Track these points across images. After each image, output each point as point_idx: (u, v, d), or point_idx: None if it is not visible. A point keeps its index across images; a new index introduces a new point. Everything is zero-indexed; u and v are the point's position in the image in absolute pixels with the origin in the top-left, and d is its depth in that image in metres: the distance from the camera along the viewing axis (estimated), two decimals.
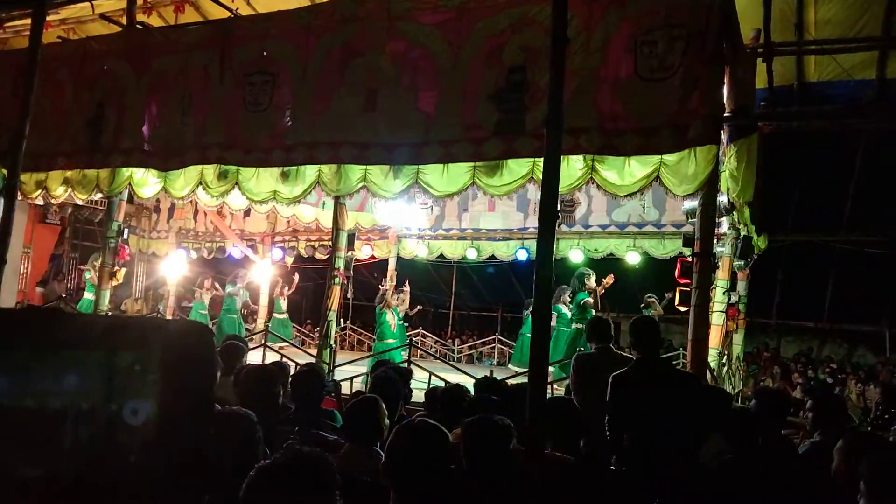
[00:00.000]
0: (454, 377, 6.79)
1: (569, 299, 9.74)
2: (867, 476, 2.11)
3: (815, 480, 2.97)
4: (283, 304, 13.68)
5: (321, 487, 1.31)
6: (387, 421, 2.90)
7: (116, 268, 9.06)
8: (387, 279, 12.98)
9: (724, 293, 8.15)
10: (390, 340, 9.79)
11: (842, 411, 4.42)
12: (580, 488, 2.80)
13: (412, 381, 5.07)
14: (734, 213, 7.15)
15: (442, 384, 6.38)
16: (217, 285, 12.54)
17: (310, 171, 7.48)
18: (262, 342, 8.24)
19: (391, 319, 10.09)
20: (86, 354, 0.71)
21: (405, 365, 7.07)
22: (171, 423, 0.69)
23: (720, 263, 8.07)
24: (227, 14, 8.45)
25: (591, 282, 9.16)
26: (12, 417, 0.70)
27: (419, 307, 12.48)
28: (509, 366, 11.79)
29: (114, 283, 9.16)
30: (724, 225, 8.08)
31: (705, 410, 3.80)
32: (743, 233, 8.06)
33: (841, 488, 2.44)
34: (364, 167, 7.13)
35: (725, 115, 5.78)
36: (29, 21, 7.51)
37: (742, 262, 8.69)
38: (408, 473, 2.01)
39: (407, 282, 11.41)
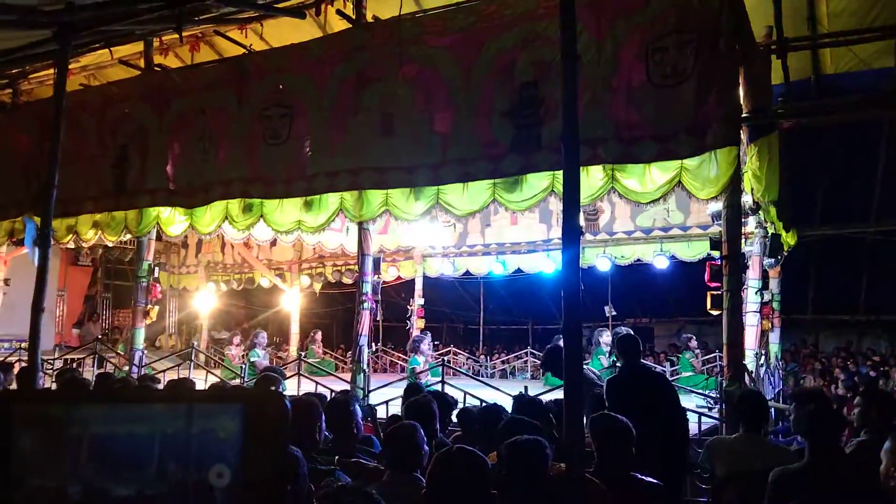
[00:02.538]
0: (487, 394, 6.77)
1: (606, 348, 9.55)
2: None
3: (863, 483, 2.91)
4: (317, 351, 13.79)
5: None
6: (426, 447, 2.91)
7: (149, 306, 9.20)
8: (413, 321, 13.10)
9: (756, 293, 8.04)
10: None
11: (890, 407, 4.31)
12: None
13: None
14: (760, 212, 7.08)
15: (476, 402, 6.36)
16: (243, 344, 12.58)
17: (332, 199, 7.56)
18: (297, 371, 8.27)
19: (421, 366, 10.08)
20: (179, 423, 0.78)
21: (439, 385, 7.08)
22: (252, 484, 0.75)
23: (750, 263, 7.97)
24: (241, 51, 8.60)
25: None
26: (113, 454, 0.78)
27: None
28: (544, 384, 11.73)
29: (147, 321, 9.29)
30: (752, 224, 7.99)
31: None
32: (771, 231, 7.96)
33: (890, 492, 2.38)
34: (385, 191, 7.19)
35: (743, 115, 5.75)
36: (51, 71, 7.74)
37: (772, 261, 8.57)
38: (449, 501, 2.01)
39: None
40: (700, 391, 7.84)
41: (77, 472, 0.78)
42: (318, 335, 14.38)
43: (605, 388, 5.19)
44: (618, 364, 5.90)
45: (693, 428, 5.91)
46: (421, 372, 9.01)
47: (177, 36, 8.61)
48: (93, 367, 9.80)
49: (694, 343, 11.25)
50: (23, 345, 9.24)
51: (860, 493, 2.82)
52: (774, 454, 4.09)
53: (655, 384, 5.15)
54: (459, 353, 15.71)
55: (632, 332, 5.97)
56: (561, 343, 5.60)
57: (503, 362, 15.18)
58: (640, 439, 3.88)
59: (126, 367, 9.14)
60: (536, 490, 2.35)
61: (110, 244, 10.63)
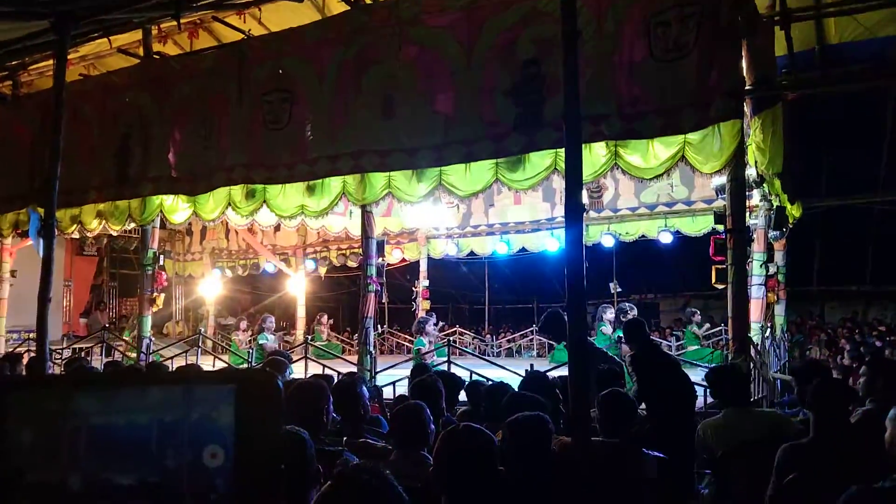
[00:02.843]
0: (494, 373, 6.80)
1: (609, 324, 9.58)
2: None
3: (868, 452, 2.92)
4: (323, 335, 13.85)
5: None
6: (432, 426, 2.93)
7: (156, 294, 9.24)
8: (419, 302, 13.12)
9: (761, 266, 8.02)
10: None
11: (894, 377, 4.31)
12: (622, 473, 2.81)
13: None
14: (764, 184, 7.04)
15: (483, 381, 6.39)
16: (250, 328, 12.60)
17: (334, 183, 7.56)
18: (304, 354, 8.33)
19: (426, 347, 10.13)
20: (172, 403, 0.80)
21: (445, 366, 7.12)
22: (246, 464, 0.77)
23: (755, 236, 7.95)
24: (240, 36, 8.55)
25: (633, 315, 9.05)
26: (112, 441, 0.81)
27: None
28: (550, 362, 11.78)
29: (154, 309, 9.34)
30: (756, 197, 7.96)
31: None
32: (776, 203, 7.93)
33: (895, 459, 2.40)
34: (387, 174, 7.18)
35: (746, 87, 5.70)
36: (51, 62, 7.71)
37: (777, 233, 8.54)
38: (456, 479, 2.03)
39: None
40: (705, 364, 7.86)
41: (74, 459, 0.79)
42: (325, 318, 14.46)
43: (631, 364, 5.30)
44: (623, 342, 6.00)
45: (699, 402, 5.94)
46: (427, 352, 9.05)
47: (175, 23, 8.61)
48: (101, 355, 9.87)
49: (698, 317, 11.26)
50: (31, 335, 9.32)
51: (866, 462, 2.83)
52: (765, 421, 4.12)
53: (668, 358, 5.34)
54: (465, 333, 15.77)
55: (636, 316, 6.06)
56: (560, 310, 5.71)
57: (509, 341, 15.24)
58: (665, 407, 3.96)
59: (133, 355, 9.20)
60: (540, 465, 2.37)
61: (115, 233, 10.66)
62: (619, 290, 13.38)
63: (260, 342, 11.21)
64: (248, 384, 0.80)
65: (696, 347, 10.76)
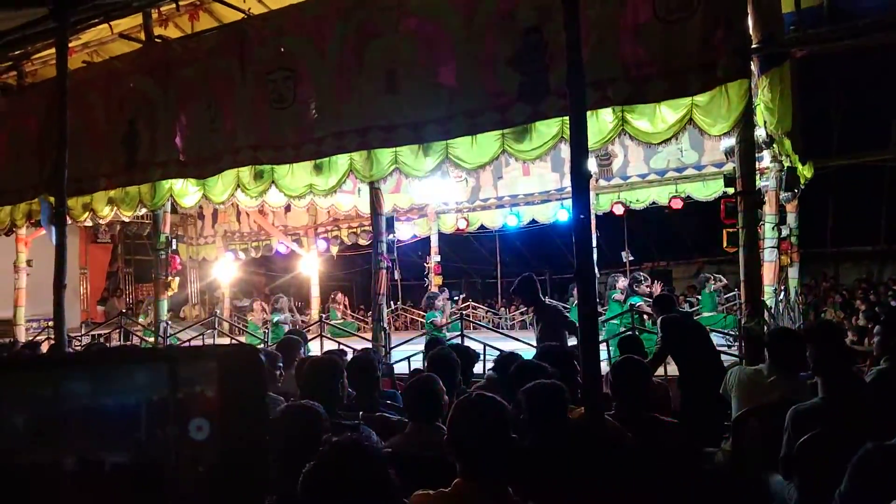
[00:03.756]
0: (507, 345, 6.83)
1: (622, 292, 9.52)
2: None
3: (882, 410, 2.92)
4: (339, 313, 13.92)
5: (368, 473, 1.39)
6: (445, 397, 2.95)
7: (170, 278, 9.32)
8: (431, 278, 13.15)
9: (773, 228, 7.97)
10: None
11: None
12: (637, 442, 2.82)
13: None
14: (774, 145, 6.96)
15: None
16: (266, 308, 12.68)
17: (341, 161, 7.54)
18: (319, 332, 8.39)
19: (438, 320, 10.17)
20: (156, 379, 0.82)
21: (459, 339, 7.15)
22: (230, 435, 0.80)
23: (766, 198, 7.88)
24: (240, 16, 8.50)
25: (644, 287, 8.97)
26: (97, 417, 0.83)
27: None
28: None
29: (169, 293, 9.43)
30: (767, 158, 7.87)
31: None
32: (786, 164, 7.84)
33: None
34: (393, 150, 7.15)
35: (753, 46, 5.61)
36: (53, 50, 7.71)
37: (789, 194, 8.46)
38: (470, 446, 2.05)
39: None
40: (719, 329, 7.86)
41: (66, 440, 0.82)
42: (339, 296, 14.53)
43: (664, 326, 5.39)
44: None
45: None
46: (442, 325, 9.10)
47: (174, 5, 8.57)
48: (119, 341, 9.99)
49: (712, 282, 11.16)
50: (50, 323, 9.43)
51: (879, 420, 2.83)
52: (790, 385, 4.09)
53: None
54: (479, 307, 15.81)
55: (665, 292, 6.24)
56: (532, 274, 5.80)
57: (522, 314, 15.27)
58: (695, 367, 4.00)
59: (151, 339, 9.31)
60: (557, 433, 2.39)
61: (127, 219, 10.72)
62: (631, 258, 13.34)
63: (274, 320, 11.31)
64: (230, 359, 0.82)
65: (710, 314, 10.73)
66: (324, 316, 11.03)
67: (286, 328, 11.49)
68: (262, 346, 8.79)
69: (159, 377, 0.80)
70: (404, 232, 13.99)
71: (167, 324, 9.24)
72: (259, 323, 11.95)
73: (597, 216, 11.91)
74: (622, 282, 9.47)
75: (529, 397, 2.46)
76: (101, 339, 9.92)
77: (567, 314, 6.61)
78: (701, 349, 5.34)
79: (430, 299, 10.44)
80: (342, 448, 1.47)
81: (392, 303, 14.68)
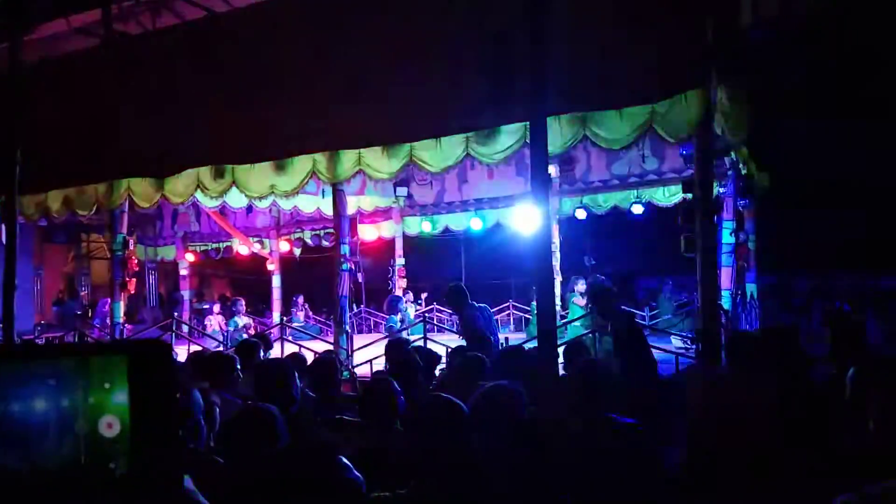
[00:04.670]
0: None
1: (582, 296, 9.57)
2: (875, 401, 2.09)
3: (830, 413, 2.99)
4: (300, 316, 13.78)
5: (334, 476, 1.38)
6: (402, 398, 2.95)
7: (127, 279, 9.13)
8: (395, 281, 13.13)
9: (730, 234, 8.14)
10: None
11: (857, 338, 4.42)
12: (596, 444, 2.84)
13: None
14: (733, 152, 7.11)
15: None
16: (223, 324, 12.45)
17: (304, 161, 7.48)
18: (280, 335, 8.31)
19: (397, 325, 10.15)
20: (64, 375, 0.79)
21: (421, 342, 7.15)
22: (140, 432, 0.78)
23: (724, 204, 8.05)
24: (203, 14, 8.37)
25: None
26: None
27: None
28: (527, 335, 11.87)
29: (126, 294, 9.24)
30: (726, 165, 8.04)
31: None
32: (744, 171, 8.02)
33: (854, 418, 2.45)
34: (357, 151, 7.12)
35: (712, 55, 5.72)
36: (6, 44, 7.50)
37: (746, 201, 8.65)
38: (426, 447, 2.05)
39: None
40: (677, 332, 7.99)
41: None
42: (301, 299, 14.35)
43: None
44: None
45: (671, 369, 6.05)
46: (400, 330, 9.09)
47: (135, 1, 8.40)
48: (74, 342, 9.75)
49: (671, 283, 11.26)
50: None
51: (827, 423, 2.90)
52: (754, 389, 4.19)
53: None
54: (443, 310, 15.79)
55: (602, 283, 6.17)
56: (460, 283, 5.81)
57: None
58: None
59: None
60: (511, 434, 2.40)
61: (83, 219, 10.48)
62: (593, 262, 13.46)
63: (230, 328, 11.17)
64: (141, 354, 0.80)
65: (669, 316, 10.90)
66: (285, 319, 10.92)
67: (244, 334, 11.35)
68: (220, 349, 8.67)
69: (69, 373, 0.78)
70: (368, 234, 13.93)
71: (123, 326, 9.04)
72: (217, 326, 11.78)
73: (560, 221, 12.02)
74: (581, 284, 9.55)
75: (481, 401, 2.46)
76: (55, 342, 9.66)
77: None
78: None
79: (391, 303, 10.41)
80: (299, 449, 1.46)
81: (355, 305, 14.59)
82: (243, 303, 11.85)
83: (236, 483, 1.85)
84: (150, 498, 0.78)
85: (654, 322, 10.83)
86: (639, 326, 5.60)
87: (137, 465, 0.77)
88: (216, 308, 12.69)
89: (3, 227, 5.40)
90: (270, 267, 14.56)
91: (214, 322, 12.10)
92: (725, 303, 7.41)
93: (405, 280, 13.86)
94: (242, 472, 1.59)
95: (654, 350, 6.08)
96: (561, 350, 6.86)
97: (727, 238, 8.00)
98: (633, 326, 5.55)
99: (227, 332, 10.76)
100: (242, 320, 11.35)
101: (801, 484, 2.46)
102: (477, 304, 6.69)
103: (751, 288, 9.67)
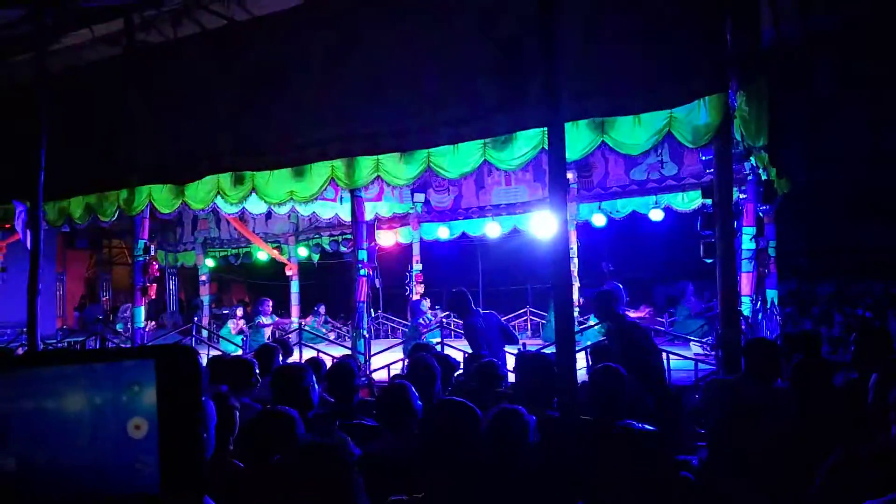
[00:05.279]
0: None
1: None
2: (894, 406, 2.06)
3: (852, 418, 2.96)
4: (318, 323, 13.84)
5: (333, 474, 1.39)
6: (419, 403, 2.95)
7: (148, 285, 9.23)
8: (413, 286, 13.13)
9: (751, 239, 8.06)
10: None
11: (881, 344, 4.34)
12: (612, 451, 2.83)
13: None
14: (752, 157, 7.05)
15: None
16: (244, 325, 12.57)
17: (323, 168, 7.53)
18: (298, 340, 8.35)
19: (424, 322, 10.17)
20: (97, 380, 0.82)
21: (439, 347, 7.15)
22: (167, 434, 0.80)
23: (744, 210, 7.98)
24: (223, 22, 8.46)
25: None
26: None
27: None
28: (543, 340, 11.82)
29: (146, 300, 9.33)
30: (745, 171, 7.98)
31: None
32: (764, 177, 7.95)
33: (878, 423, 2.43)
34: (375, 157, 7.15)
35: (731, 60, 5.68)
36: (32, 54, 7.64)
37: (766, 206, 8.56)
38: (441, 451, 2.05)
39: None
40: (696, 339, 7.92)
41: (6, 442, 0.82)
42: (322, 309, 14.37)
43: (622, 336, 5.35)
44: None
45: (690, 376, 5.99)
46: (426, 330, 9.12)
47: (158, 11, 8.50)
48: (96, 348, 9.86)
49: (691, 289, 11.14)
50: (24, 330, 9.29)
51: (850, 430, 2.86)
52: (772, 396, 4.16)
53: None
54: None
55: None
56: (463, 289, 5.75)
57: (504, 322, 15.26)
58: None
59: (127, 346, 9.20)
60: (515, 459, 2.40)
61: (105, 225, 10.61)
62: (611, 268, 13.39)
63: (255, 321, 11.21)
64: (167, 358, 0.83)
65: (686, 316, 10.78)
66: (303, 322, 10.97)
67: (267, 332, 11.41)
68: (239, 353, 8.73)
69: (98, 377, 0.80)
70: (386, 240, 13.97)
71: (144, 331, 9.14)
72: (235, 331, 11.84)
73: (577, 226, 11.99)
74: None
75: (491, 422, 2.45)
76: (77, 347, 9.79)
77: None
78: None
79: (414, 307, 10.44)
80: (306, 449, 1.47)
81: (373, 310, 14.62)
82: (269, 303, 11.91)
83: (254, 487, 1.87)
84: (177, 498, 0.81)
85: (672, 328, 10.75)
86: (639, 331, 5.55)
87: (164, 467, 0.80)
88: (239, 311, 12.75)
89: (28, 232, 5.48)
90: (289, 273, 14.65)
91: (236, 326, 12.18)
92: (745, 309, 7.33)
93: (422, 286, 13.87)
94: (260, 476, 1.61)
95: (673, 356, 6.07)
96: (581, 354, 6.89)
97: (747, 244, 7.92)
98: (626, 328, 5.53)
99: (248, 335, 10.81)
100: (266, 319, 11.41)
101: (822, 491, 2.43)
102: (482, 311, 6.69)
103: (771, 294, 9.57)
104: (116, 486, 0.80)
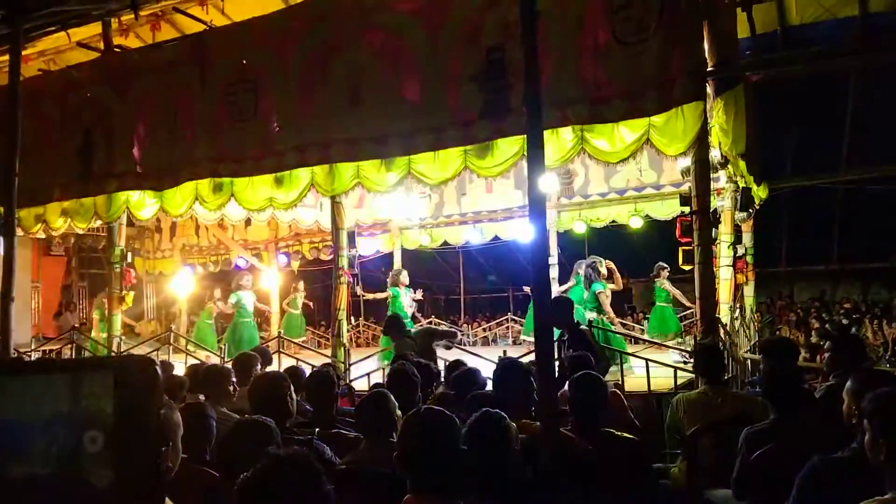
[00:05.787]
0: (468, 361, 6.80)
1: (586, 280, 9.42)
2: (867, 413, 2.08)
3: (828, 424, 2.98)
4: (300, 301, 13.69)
5: (302, 486, 1.38)
6: (398, 412, 2.93)
7: (124, 292, 9.11)
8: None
9: (729, 247, 8.12)
10: None
11: (858, 351, 4.39)
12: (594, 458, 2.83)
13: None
14: (730, 166, 7.12)
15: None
16: (220, 304, 12.36)
17: (303, 174, 7.49)
18: (277, 349, 8.27)
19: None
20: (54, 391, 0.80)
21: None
22: (123, 447, 0.78)
23: (722, 217, 8.05)
24: (202, 27, 8.42)
25: (604, 269, 8.97)
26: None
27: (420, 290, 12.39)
28: (522, 338, 11.81)
29: (123, 307, 9.21)
30: (723, 179, 8.05)
31: None
32: (741, 184, 8.02)
33: (852, 429, 2.44)
34: (356, 164, 7.13)
35: (709, 69, 5.75)
36: (7, 57, 7.54)
37: (744, 214, 8.64)
38: (419, 460, 2.03)
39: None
40: (676, 346, 7.97)
41: None
42: (301, 284, 14.11)
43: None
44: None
45: (669, 383, 6.02)
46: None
47: (134, 16, 8.44)
48: (71, 356, 9.70)
49: (665, 272, 10.94)
50: None
51: (827, 436, 2.89)
52: (740, 401, 4.25)
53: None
54: (441, 324, 15.77)
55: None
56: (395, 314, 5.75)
57: (485, 330, 15.29)
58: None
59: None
60: (497, 459, 2.39)
61: (81, 231, 10.48)
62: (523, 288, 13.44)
63: (232, 301, 11.00)
64: (126, 370, 0.81)
65: (664, 304, 10.70)
66: (281, 332, 10.87)
67: (248, 301, 11.13)
68: (217, 360, 8.63)
69: (57, 389, 0.78)
70: (367, 247, 13.91)
71: (120, 339, 9.01)
72: (215, 312, 11.59)
73: (558, 234, 12.03)
74: (582, 268, 9.33)
75: (472, 426, 2.44)
76: (53, 355, 9.63)
77: None
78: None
79: (396, 324, 10.33)
80: (277, 460, 1.45)
81: (353, 318, 14.55)
82: (249, 278, 11.71)
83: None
84: None
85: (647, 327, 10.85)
86: (586, 334, 5.78)
87: (119, 480, 0.77)
88: (217, 293, 12.50)
89: (2, 239, 5.39)
90: (268, 280, 14.52)
91: (216, 309, 11.99)
92: (724, 317, 7.38)
93: None
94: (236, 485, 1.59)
95: (652, 364, 6.10)
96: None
97: (725, 251, 7.99)
98: (576, 331, 5.73)
99: (224, 345, 10.67)
100: (246, 295, 11.20)
101: (799, 498, 2.44)
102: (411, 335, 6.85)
103: (750, 302, 9.66)
104: (71, 498, 0.77)
